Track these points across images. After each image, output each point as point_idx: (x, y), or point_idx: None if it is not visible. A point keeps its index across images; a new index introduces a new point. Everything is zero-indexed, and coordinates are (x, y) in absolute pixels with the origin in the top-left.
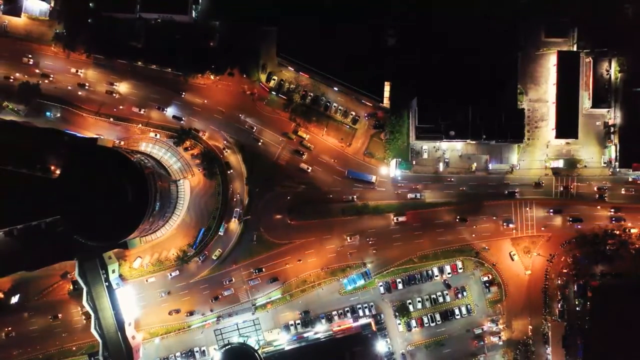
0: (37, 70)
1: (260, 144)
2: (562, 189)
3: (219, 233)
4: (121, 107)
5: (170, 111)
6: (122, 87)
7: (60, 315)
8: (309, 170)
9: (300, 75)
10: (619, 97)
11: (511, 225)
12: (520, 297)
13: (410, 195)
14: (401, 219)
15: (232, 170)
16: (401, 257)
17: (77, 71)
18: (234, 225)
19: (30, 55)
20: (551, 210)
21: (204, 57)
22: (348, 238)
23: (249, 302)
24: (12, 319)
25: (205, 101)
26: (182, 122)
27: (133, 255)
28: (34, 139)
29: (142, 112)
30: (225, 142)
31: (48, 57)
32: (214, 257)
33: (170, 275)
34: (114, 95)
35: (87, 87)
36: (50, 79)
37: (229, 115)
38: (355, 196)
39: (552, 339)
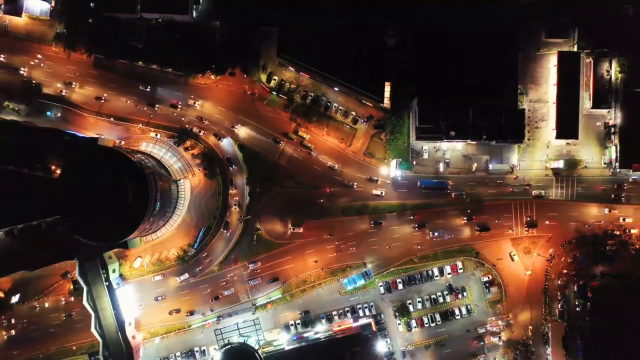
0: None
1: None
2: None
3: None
4: (187, 126)
5: (226, 143)
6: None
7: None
8: (383, 195)
9: (301, 76)
10: (620, 98)
11: (437, 234)
12: (520, 298)
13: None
14: (297, 229)
15: (228, 231)
16: (401, 257)
17: (194, 102)
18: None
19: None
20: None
21: (204, 57)
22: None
23: (249, 302)
24: (12, 319)
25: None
26: (232, 169)
27: (133, 255)
28: (35, 138)
29: (201, 133)
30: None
31: (172, 85)
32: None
33: (179, 279)
34: (204, 121)
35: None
36: (179, 109)
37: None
38: (465, 192)
39: (552, 339)
